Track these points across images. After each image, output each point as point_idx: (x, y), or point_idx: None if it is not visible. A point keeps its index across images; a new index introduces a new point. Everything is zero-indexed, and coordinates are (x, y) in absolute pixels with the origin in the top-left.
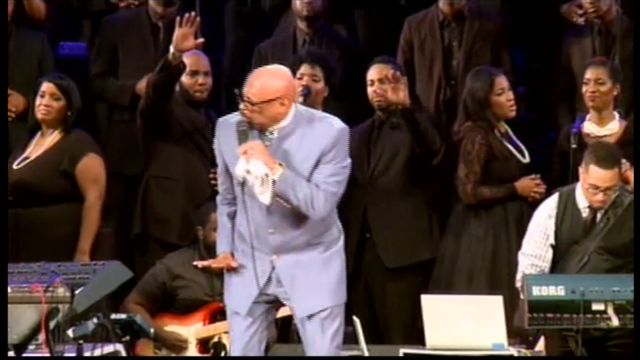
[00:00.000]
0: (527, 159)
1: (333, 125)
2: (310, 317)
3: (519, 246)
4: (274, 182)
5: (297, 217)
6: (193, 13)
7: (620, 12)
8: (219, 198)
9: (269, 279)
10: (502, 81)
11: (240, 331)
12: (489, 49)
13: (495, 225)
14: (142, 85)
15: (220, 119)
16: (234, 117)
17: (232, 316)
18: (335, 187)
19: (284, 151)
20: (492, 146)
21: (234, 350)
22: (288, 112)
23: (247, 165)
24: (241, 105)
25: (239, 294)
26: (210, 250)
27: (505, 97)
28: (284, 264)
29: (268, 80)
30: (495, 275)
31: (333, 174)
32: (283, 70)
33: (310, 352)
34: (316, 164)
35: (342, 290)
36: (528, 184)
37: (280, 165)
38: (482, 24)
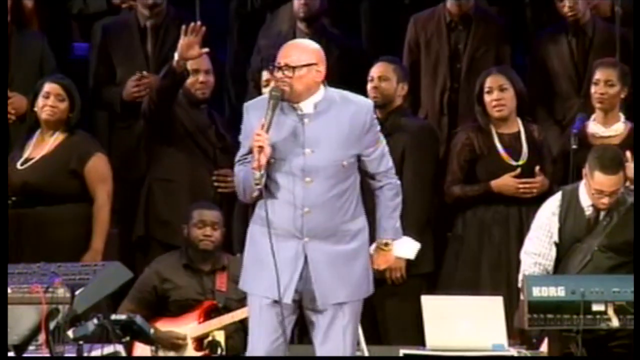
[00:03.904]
0: (520, 162)
1: (367, 100)
2: (326, 308)
3: (505, 246)
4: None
5: (332, 198)
6: (199, 22)
7: (618, 13)
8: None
9: (305, 264)
10: (492, 80)
11: (272, 323)
12: (493, 53)
13: (476, 227)
14: (126, 92)
15: (247, 103)
16: (264, 96)
17: (265, 306)
18: (389, 160)
19: (323, 126)
20: (474, 146)
21: (260, 342)
22: (320, 84)
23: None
24: (279, 74)
25: (275, 281)
26: (194, 247)
27: (491, 96)
28: (313, 248)
29: (303, 46)
30: (480, 278)
31: (376, 141)
32: (312, 41)
33: (321, 345)
34: (358, 139)
35: (365, 285)
36: (507, 183)
37: (386, 240)
38: (487, 27)
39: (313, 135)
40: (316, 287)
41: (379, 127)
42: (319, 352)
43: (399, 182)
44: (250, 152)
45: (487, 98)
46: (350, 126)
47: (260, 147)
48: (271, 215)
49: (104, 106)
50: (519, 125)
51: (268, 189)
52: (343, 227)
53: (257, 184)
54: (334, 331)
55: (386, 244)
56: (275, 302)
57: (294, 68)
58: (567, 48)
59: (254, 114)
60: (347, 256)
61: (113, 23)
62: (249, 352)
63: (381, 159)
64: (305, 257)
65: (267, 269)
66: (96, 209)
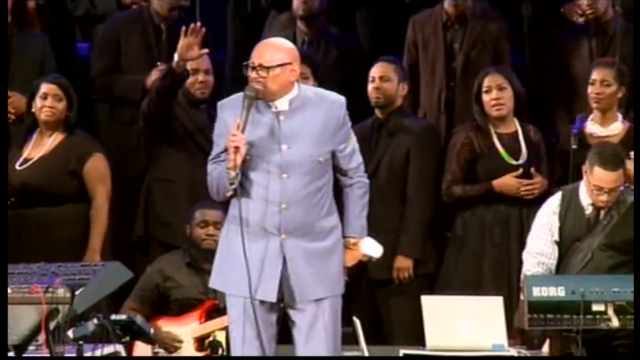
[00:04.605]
0: (520, 161)
1: (339, 96)
2: (306, 306)
3: (506, 247)
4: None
5: (308, 194)
6: (199, 24)
7: (618, 12)
8: (212, 165)
9: (284, 262)
10: (491, 79)
11: (259, 323)
12: (490, 52)
13: (477, 227)
14: (151, 79)
15: (221, 102)
16: (239, 95)
17: (249, 307)
18: (359, 156)
19: (299, 122)
20: (474, 145)
21: (248, 343)
22: (295, 82)
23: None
24: (253, 74)
25: (257, 281)
26: (196, 247)
27: (489, 95)
28: (290, 246)
29: (277, 46)
30: (480, 278)
31: (349, 137)
32: (286, 40)
33: (304, 344)
34: (333, 135)
35: (342, 281)
36: (510, 183)
37: (354, 240)
38: (484, 26)
39: (289, 131)
40: (295, 284)
41: (350, 123)
42: (302, 352)
43: (367, 180)
44: (225, 150)
45: (485, 97)
46: (324, 122)
47: (236, 148)
48: (247, 214)
49: (112, 95)
50: (516, 126)
51: (243, 187)
52: (318, 224)
53: (231, 184)
54: (316, 329)
55: (354, 243)
56: (259, 301)
57: (267, 68)
58: (587, 49)
59: (229, 112)
60: (323, 253)
61: (124, 17)
62: (234, 353)
63: (352, 155)
64: (284, 255)
65: (247, 269)
66: (94, 209)
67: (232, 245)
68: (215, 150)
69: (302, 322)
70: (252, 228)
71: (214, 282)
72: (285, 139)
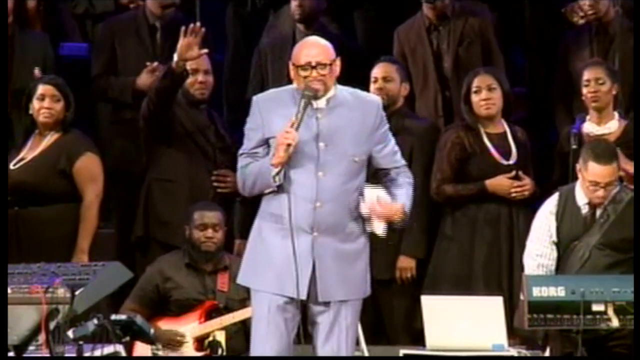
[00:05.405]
0: (511, 161)
1: (376, 97)
2: (329, 306)
3: (495, 247)
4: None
5: (343, 193)
6: (198, 24)
7: (619, 12)
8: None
9: (313, 260)
10: (480, 79)
11: (282, 321)
12: (478, 47)
13: (466, 226)
14: (141, 80)
15: (257, 97)
16: (275, 91)
17: (275, 304)
18: (401, 157)
19: (336, 121)
20: (465, 145)
21: (269, 340)
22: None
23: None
24: (314, 74)
25: (287, 278)
26: (196, 249)
27: (479, 96)
28: (321, 244)
29: (323, 42)
30: (469, 277)
31: (386, 137)
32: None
33: (323, 343)
34: (369, 136)
35: (365, 285)
36: (503, 183)
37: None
38: (467, 22)
39: (327, 129)
40: (321, 283)
41: (387, 125)
42: (321, 351)
43: (412, 181)
44: (260, 146)
45: (475, 98)
46: (361, 123)
47: (289, 145)
48: (283, 210)
49: (107, 97)
50: (504, 126)
51: (281, 184)
52: (350, 224)
53: (275, 181)
54: (337, 329)
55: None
56: (287, 299)
57: (327, 65)
58: (589, 50)
59: (267, 109)
60: (351, 255)
61: (118, 19)
62: (254, 350)
63: (394, 154)
64: (313, 253)
65: (279, 266)
66: (83, 208)
67: (264, 242)
68: (248, 144)
69: (324, 321)
70: (286, 225)
71: (241, 279)
72: (323, 137)
